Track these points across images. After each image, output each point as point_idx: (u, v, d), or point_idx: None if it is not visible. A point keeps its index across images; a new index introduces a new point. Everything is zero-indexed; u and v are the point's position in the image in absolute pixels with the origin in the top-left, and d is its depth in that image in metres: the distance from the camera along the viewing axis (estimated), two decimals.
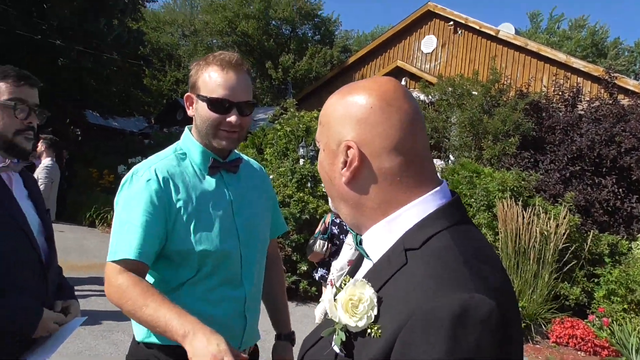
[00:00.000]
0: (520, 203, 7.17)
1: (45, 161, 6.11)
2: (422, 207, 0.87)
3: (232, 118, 1.56)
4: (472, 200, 7.66)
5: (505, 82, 10.94)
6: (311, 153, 9.43)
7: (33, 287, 1.63)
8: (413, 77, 13.90)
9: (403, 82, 14.02)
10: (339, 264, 4.21)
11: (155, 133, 18.79)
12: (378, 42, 15.98)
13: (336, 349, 0.85)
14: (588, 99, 10.22)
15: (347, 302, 0.83)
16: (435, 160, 11.03)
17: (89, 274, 6.65)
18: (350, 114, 0.89)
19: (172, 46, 31.12)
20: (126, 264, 1.44)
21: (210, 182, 1.62)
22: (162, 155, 1.64)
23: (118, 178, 14.42)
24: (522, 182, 7.86)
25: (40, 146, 6.40)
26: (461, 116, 9.91)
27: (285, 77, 26.94)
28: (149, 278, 1.59)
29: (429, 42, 14.68)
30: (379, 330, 0.78)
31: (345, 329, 0.84)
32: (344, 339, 0.84)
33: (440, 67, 14.20)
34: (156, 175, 1.53)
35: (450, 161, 10.44)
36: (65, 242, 8.72)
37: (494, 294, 0.74)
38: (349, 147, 0.88)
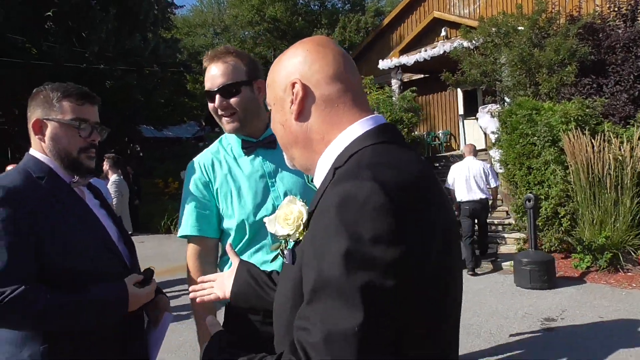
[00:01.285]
0: (587, 132, 6.81)
1: (113, 177, 6.48)
2: (353, 131, 0.95)
3: (216, 103, 1.72)
4: (535, 138, 7.35)
5: (552, 10, 10.30)
6: None
7: None
8: (453, 25, 13.37)
9: (443, 33, 13.55)
10: None
11: (208, 134, 19.29)
12: None
13: (283, 259, 0.98)
14: None
15: (282, 217, 0.98)
16: (490, 105, 10.66)
17: (174, 277, 7.00)
18: (290, 64, 1.00)
19: (206, 47, 31.66)
20: (191, 239, 1.78)
21: (246, 162, 1.80)
22: (210, 146, 1.88)
23: (182, 183, 14.99)
24: (587, 110, 7.44)
25: (105, 165, 6.78)
26: (510, 55, 9.46)
27: None
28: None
29: None
30: (304, 233, 0.91)
31: (287, 240, 0.97)
32: (284, 247, 0.98)
33: (480, 10, 13.59)
34: (198, 164, 1.81)
35: (505, 103, 10.03)
36: (146, 250, 9.22)
37: (382, 183, 0.78)
38: (294, 84, 0.98)
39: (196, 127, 26.14)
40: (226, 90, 1.70)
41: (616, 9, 9.63)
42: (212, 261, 1.80)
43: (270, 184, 1.77)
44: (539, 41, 9.64)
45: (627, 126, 7.39)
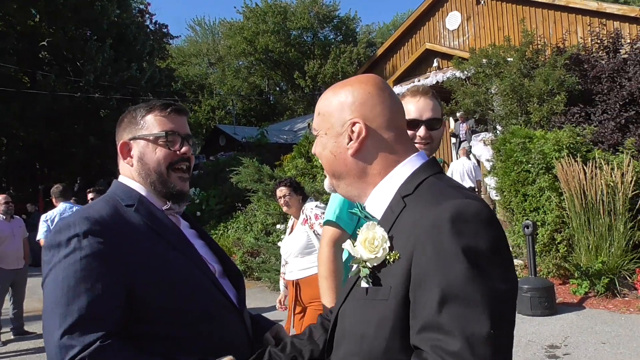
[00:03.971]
0: (579, 159, 7.01)
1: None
2: (410, 165, 1.08)
3: (420, 132, 1.99)
4: (530, 165, 7.54)
5: (539, 43, 10.69)
6: None
7: (233, 337, 1.36)
8: (444, 56, 13.76)
9: (435, 64, 13.91)
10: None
11: (205, 163, 19.37)
12: (402, 29, 15.92)
13: (364, 283, 1.01)
14: (629, 41, 9.84)
15: (364, 241, 1.02)
16: (483, 134, 10.90)
17: None
18: (351, 100, 1.09)
19: (201, 76, 32.06)
20: (334, 226, 2.15)
21: None
22: None
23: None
24: (578, 138, 7.66)
25: (91, 195, 6.78)
26: (501, 85, 9.76)
27: (314, 83, 27.18)
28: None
29: (453, 19, 14.50)
30: (397, 254, 0.95)
31: (367, 265, 1.01)
32: (368, 272, 1.00)
33: (469, 41, 14.00)
34: None
35: (498, 132, 10.28)
36: None
37: (480, 200, 0.94)
38: (354, 124, 1.07)
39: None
40: (430, 124, 1.92)
41: (599, 41, 10.01)
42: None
43: None
44: (528, 71, 9.97)
45: (617, 153, 7.62)
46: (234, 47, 28.36)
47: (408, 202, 1.00)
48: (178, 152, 1.44)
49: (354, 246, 1.05)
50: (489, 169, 9.18)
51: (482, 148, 10.50)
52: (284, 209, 4.21)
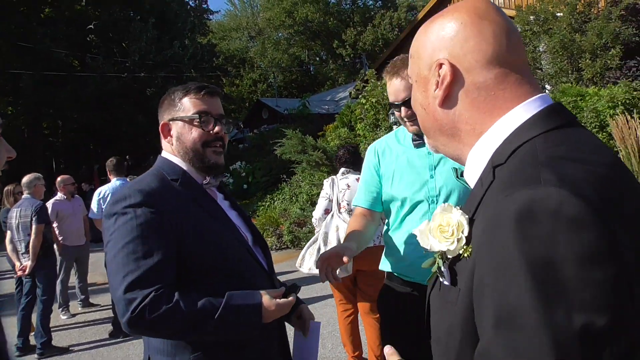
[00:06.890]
0: (636, 116, 6.66)
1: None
2: (515, 117, 0.80)
3: (402, 114, 1.99)
4: (582, 124, 7.24)
5: None
6: None
7: None
8: None
9: None
10: (317, 214, 3.99)
11: (249, 136, 19.67)
12: None
13: (440, 278, 0.83)
14: None
15: (436, 228, 0.82)
16: None
17: None
18: (440, 36, 0.86)
19: (242, 50, 32.22)
20: (360, 208, 2.16)
21: (413, 153, 2.06)
22: (388, 134, 2.23)
23: (225, 185, 15.35)
24: (634, 93, 7.27)
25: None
26: (550, 42, 9.32)
27: (355, 52, 26.82)
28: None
29: None
30: (469, 250, 0.75)
31: (443, 255, 0.81)
32: (441, 265, 0.82)
33: None
34: (374, 148, 2.19)
35: (547, 91, 9.89)
36: None
37: (572, 185, 0.63)
38: (440, 65, 0.84)
39: (234, 130, 26.69)
40: (409, 103, 1.89)
41: None
42: (369, 224, 2.12)
43: (429, 175, 1.99)
44: (580, 26, 9.46)
45: None
46: (273, 19, 28.25)
47: (497, 175, 0.76)
48: (211, 132, 1.57)
49: (429, 232, 0.84)
50: None
51: None
52: None
